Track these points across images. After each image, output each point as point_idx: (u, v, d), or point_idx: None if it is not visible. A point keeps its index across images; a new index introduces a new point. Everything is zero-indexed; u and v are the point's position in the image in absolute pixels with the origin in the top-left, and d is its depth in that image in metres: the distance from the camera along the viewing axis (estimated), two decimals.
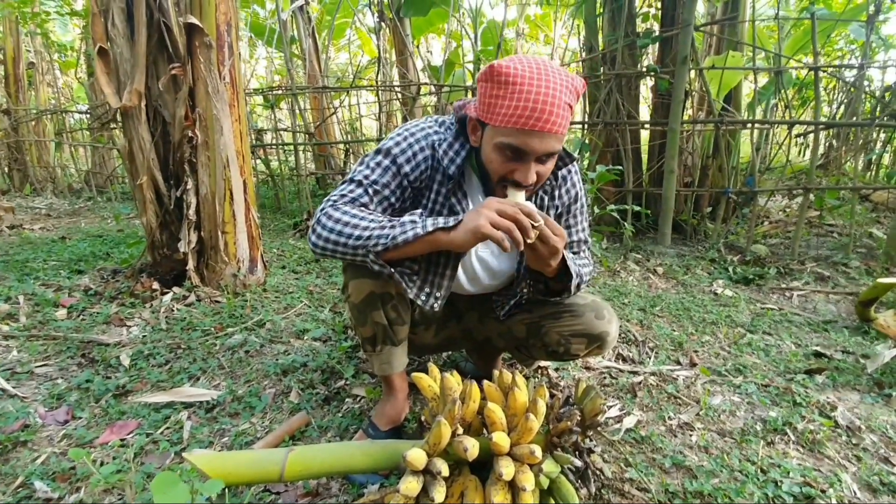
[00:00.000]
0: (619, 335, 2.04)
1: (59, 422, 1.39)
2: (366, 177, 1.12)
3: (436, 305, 1.21)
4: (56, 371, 1.69)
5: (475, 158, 1.17)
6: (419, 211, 1.07)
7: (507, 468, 0.92)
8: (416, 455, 0.91)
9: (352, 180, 1.13)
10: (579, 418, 1.04)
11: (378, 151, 1.15)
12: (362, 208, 1.09)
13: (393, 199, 1.14)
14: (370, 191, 1.11)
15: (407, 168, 1.14)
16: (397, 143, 1.15)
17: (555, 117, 0.97)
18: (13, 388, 1.55)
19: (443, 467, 0.91)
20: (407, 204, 1.19)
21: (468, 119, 1.11)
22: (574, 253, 1.33)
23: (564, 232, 1.05)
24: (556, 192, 1.26)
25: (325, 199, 1.12)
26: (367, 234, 1.01)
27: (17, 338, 1.89)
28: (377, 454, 1.00)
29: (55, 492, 1.10)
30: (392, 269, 1.06)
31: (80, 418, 1.41)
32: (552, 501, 1.01)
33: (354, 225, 1.03)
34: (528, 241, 0.97)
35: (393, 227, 1.01)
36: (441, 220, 1.01)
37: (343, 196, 1.10)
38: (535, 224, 0.97)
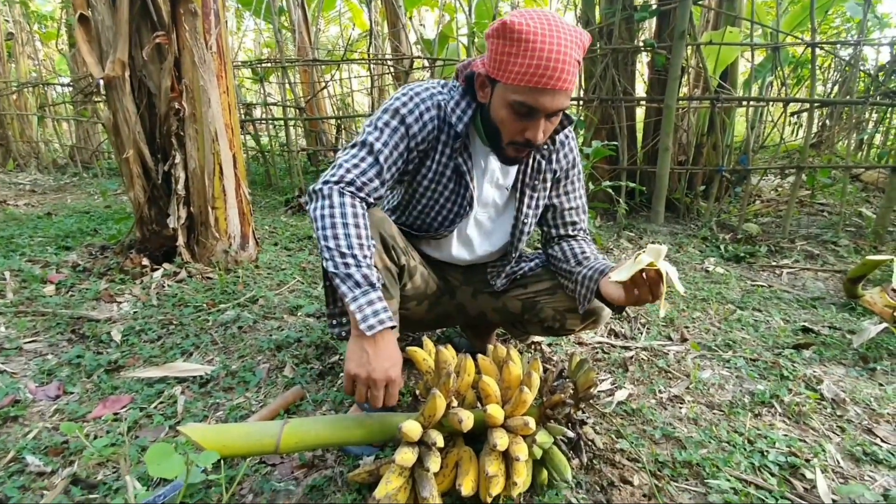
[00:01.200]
0: None
1: (51, 397, 1.38)
2: (377, 139, 1.10)
3: (342, 333, 1.18)
4: (46, 347, 1.67)
5: (480, 117, 1.16)
6: (376, 276, 1.02)
7: (501, 439, 0.93)
8: (412, 426, 0.92)
9: (364, 144, 1.11)
10: (572, 391, 1.05)
11: (386, 111, 1.13)
12: (360, 200, 1.07)
13: (401, 162, 1.14)
14: (381, 158, 1.10)
15: (415, 128, 1.12)
16: (404, 104, 1.13)
17: (566, 74, 0.97)
18: (2, 363, 1.53)
19: (437, 438, 0.92)
20: (411, 166, 1.17)
21: (476, 76, 1.09)
22: (573, 223, 1.34)
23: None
24: (554, 157, 1.26)
25: (337, 164, 1.09)
26: (337, 256, 0.99)
27: (5, 314, 1.86)
28: (372, 426, 1.00)
29: (48, 466, 1.09)
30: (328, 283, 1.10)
31: (72, 393, 1.40)
32: (545, 471, 1.03)
33: (340, 239, 1.00)
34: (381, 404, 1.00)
35: (349, 276, 0.98)
36: (370, 313, 0.97)
37: (354, 167, 1.08)
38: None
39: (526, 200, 1.26)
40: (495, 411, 0.96)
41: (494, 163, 1.22)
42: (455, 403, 1.00)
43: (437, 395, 0.93)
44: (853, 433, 1.29)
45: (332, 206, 1.03)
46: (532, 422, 0.96)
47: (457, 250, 1.33)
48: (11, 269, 2.25)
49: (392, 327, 0.99)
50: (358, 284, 0.98)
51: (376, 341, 0.97)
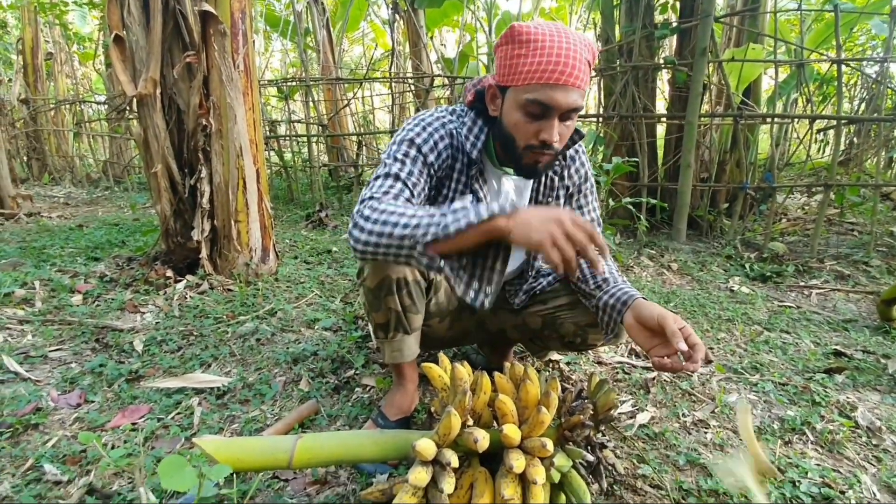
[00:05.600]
0: None
1: (72, 405, 1.40)
2: (400, 169, 1.06)
3: (486, 302, 1.16)
4: (70, 355, 1.70)
5: (492, 137, 1.16)
6: (469, 197, 1.09)
7: (517, 461, 0.91)
8: (426, 445, 0.90)
9: (388, 175, 1.06)
10: (592, 412, 1.02)
11: (402, 142, 1.11)
12: (406, 203, 1.03)
13: (427, 188, 1.12)
14: (409, 183, 1.06)
15: (431, 157, 1.12)
16: (418, 134, 1.12)
17: (577, 71, 0.98)
18: (26, 371, 1.57)
19: (452, 458, 0.90)
20: (432, 193, 1.17)
21: (486, 89, 1.10)
22: (598, 218, 1.34)
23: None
24: (566, 173, 1.25)
25: (367, 195, 1.03)
26: (415, 222, 0.90)
27: (33, 322, 1.91)
28: (386, 443, 0.99)
29: (65, 475, 1.10)
30: (442, 262, 0.92)
31: (93, 402, 1.42)
32: (563, 496, 1.00)
33: (401, 213, 0.92)
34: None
35: (444, 215, 0.89)
36: (496, 206, 0.88)
37: (386, 193, 1.02)
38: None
39: None
40: (512, 431, 0.94)
41: (508, 184, 1.22)
42: (470, 422, 0.98)
43: (452, 413, 0.92)
44: (890, 463, 1.22)
45: (375, 210, 0.95)
46: (550, 443, 0.93)
47: None
48: (42, 279, 2.32)
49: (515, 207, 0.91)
50: (463, 208, 0.89)
51: (518, 213, 0.88)
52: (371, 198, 1.01)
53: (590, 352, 1.79)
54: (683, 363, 0.95)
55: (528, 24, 0.99)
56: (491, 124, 1.14)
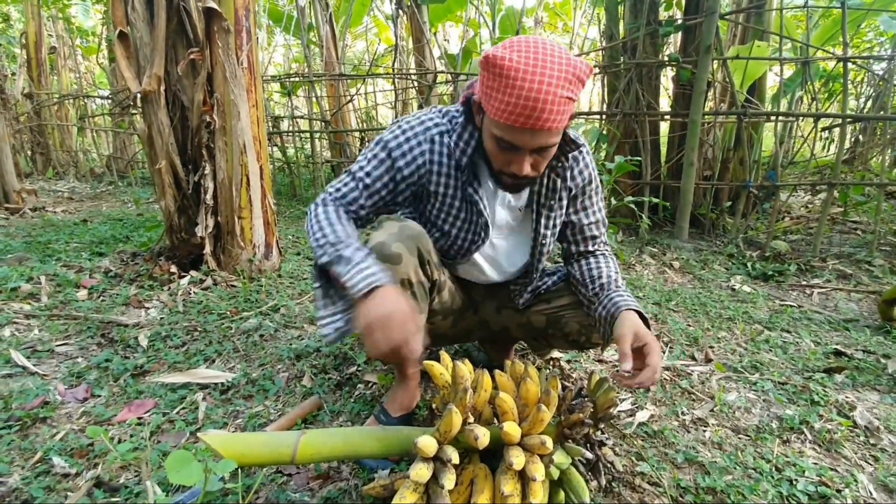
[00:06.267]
0: None
1: (78, 399, 1.42)
2: (361, 168, 1.17)
3: (330, 337, 1.12)
4: (76, 350, 1.72)
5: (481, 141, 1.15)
6: (372, 259, 1.04)
7: (517, 458, 0.92)
8: (427, 442, 0.91)
9: (353, 176, 1.18)
10: (592, 410, 1.03)
11: (378, 142, 1.17)
12: (345, 212, 1.16)
13: (384, 192, 1.17)
14: (361, 185, 1.16)
15: (401, 163, 1.15)
16: (395, 137, 1.15)
17: (548, 114, 0.93)
18: (34, 365, 1.59)
19: (453, 455, 0.91)
20: (400, 198, 1.19)
21: (473, 100, 1.09)
22: (593, 237, 1.31)
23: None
24: (569, 174, 1.23)
25: (326, 189, 1.19)
26: (323, 242, 1.08)
27: (39, 317, 1.94)
28: (388, 440, 1.00)
29: (73, 467, 1.12)
30: (316, 284, 1.14)
31: (99, 396, 1.44)
32: (562, 493, 1.01)
33: (326, 230, 1.10)
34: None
35: (339, 255, 1.04)
36: (363, 281, 0.98)
37: (337, 190, 1.18)
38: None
39: (543, 221, 1.25)
40: (512, 429, 0.95)
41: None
42: (471, 419, 1.00)
43: (453, 410, 0.93)
44: (887, 463, 1.23)
45: (317, 216, 1.13)
46: (549, 441, 0.95)
47: (477, 272, 1.34)
48: (47, 274, 2.35)
49: (381, 285, 0.99)
50: (349, 260, 1.03)
51: (372, 297, 0.97)
52: (330, 195, 1.17)
53: (591, 350, 1.80)
54: (634, 380, 1.03)
55: (505, 54, 0.92)
56: (477, 131, 1.13)
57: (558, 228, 1.29)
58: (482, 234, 1.22)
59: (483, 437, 0.92)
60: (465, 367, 1.04)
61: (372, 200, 1.17)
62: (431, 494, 0.93)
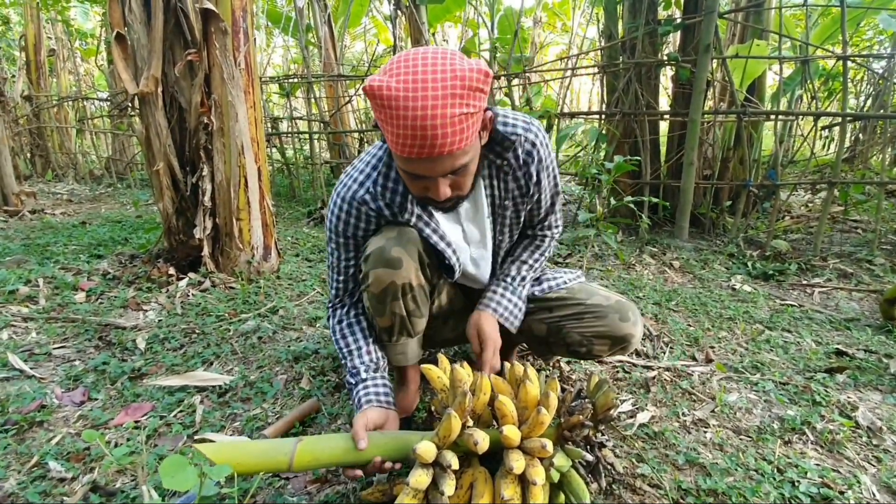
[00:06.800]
0: None
1: (76, 403, 1.41)
2: (335, 259, 1.22)
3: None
4: (74, 353, 1.72)
5: None
6: (359, 366, 1.19)
7: (517, 462, 0.91)
8: (426, 448, 0.90)
9: (333, 269, 1.24)
10: (591, 412, 1.02)
11: (330, 233, 1.19)
12: (351, 306, 1.26)
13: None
14: (342, 274, 1.23)
15: (360, 233, 1.17)
16: (338, 217, 1.16)
17: (441, 139, 0.85)
18: (31, 368, 1.58)
19: (453, 461, 0.90)
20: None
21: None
22: (540, 224, 1.33)
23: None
24: (519, 174, 1.17)
25: (330, 289, 1.29)
26: (342, 362, 1.23)
27: (37, 320, 1.93)
28: (387, 445, 0.99)
29: (69, 472, 1.12)
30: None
31: (96, 400, 1.43)
32: (562, 495, 1.00)
33: (339, 351, 1.24)
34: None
35: (345, 368, 1.22)
36: (357, 401, 1.13)
37: (336, 296, 1.26)
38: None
39: (498, 227, 1.24)
40: (511, 433, 0.94)
41: (464, 202, 1.15)
42: (470, 423, 0.99)
43: (452, 415, 0.92)
44: (890, 464, 1.22)
45: (332, 332, 1.26)
46: (550, 444, 0.94)
47: (471, 281, 1.35)
48: (45, 277, 2.34)
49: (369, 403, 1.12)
50: (348, 384, 1.19)
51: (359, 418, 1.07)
52: (331, 304, 1.28)
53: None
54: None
55: (384, 81, 0.84)
56: None
57: (514, 225, 1.26)
58: (457, 261, 1.22)
59: (482, 441, 0.91)
60: (464, 371, 1.03)
61: (355, 267, 1.22)
62: (431, 499, 0.92)
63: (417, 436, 1.00)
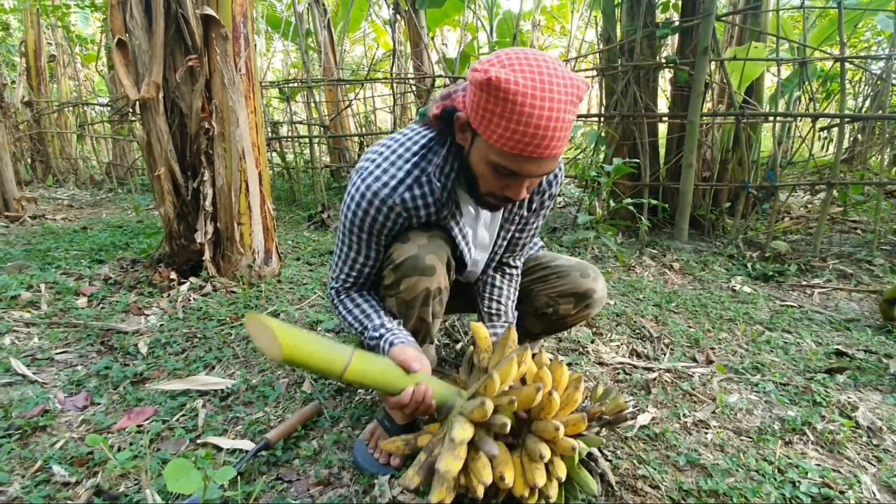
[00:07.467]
0: (634, 330, 2.01)
1: (78, 407, 1.42)
2: (353, 260, 1.17)
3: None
4: (76, 358, 1.72)
5: (459, 161, 1.09)
6: (378, 330, 1.11)
7: (545, 450, 0.94)
8: (463, 430, 0.92)
9: (345, 260, 1.17)
10: (602, 411, 1.06)
11: (350, 224, 1.11)
12: (357, 293, 1.21)
13: (382, 250, 1.16)
14: (364, 271, 1.18)
15: (384, 230, 1.11)
16: (365, 212, 1.07)
17: (556, 142, 0.87)
18: (33, 373, 1.59)
19: (508, 420, 0.92)
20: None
21: (456, 117, 0.98)
22: (520, 251, 1.37)
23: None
24: (536, 197, 1.24)
25: (333, 273, 1.21)
26: (357, 329, 1.17)
27: (39, 325, 1.93)
28: (430, 382, 1.01)
29: (72, 476, 1.12)
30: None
31: (99, 404, 1.44)
32: (563, 494, 1.02)
33: (348, 322, 1.19)
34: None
35: (362, 337, 1.15)
36: (398, 343, 1.06)
37: (344, 282, 1.20)
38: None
39: (501, 237, 1.27)
40: (557, 397, 0.96)
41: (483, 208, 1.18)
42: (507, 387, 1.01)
43: (511, 361, 0.96)
44: (890, 463, 1.23)
45: (338, 306, 1.21)
46: (585, 417, 0.97)
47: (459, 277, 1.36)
48: (47, 282, 2.34)
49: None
50: (371, 340, 1.11)
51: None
52: (336, 287, 1.21)
53: (591, 353, 1.80)
54: None
55: (511, 76, 0.83)
56: (458, 152, 1.06)
57: (514, 239, 1.32)
58: (463, 265, 1.23)
59: (517, 401, 0.93)
60: (514, 334, 1.09)
61: (378, 263, 1.17)
62: (478, 442, 0.94)
63: (460, 394, 1.02)
